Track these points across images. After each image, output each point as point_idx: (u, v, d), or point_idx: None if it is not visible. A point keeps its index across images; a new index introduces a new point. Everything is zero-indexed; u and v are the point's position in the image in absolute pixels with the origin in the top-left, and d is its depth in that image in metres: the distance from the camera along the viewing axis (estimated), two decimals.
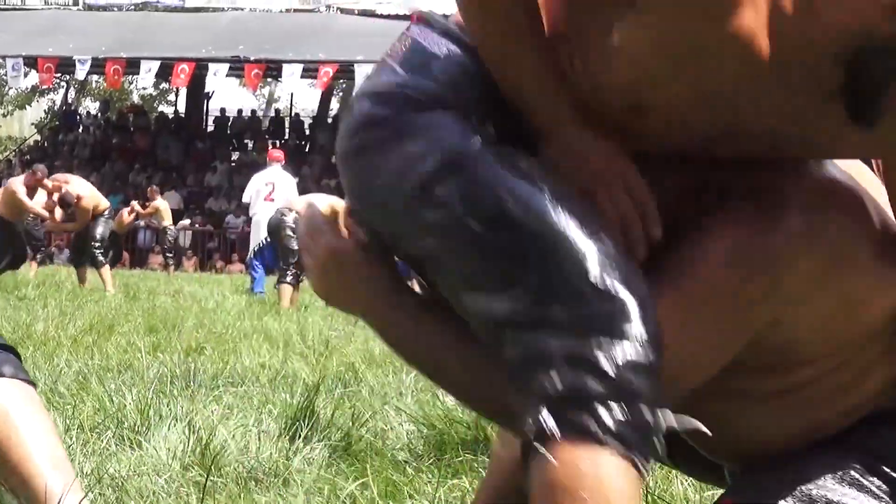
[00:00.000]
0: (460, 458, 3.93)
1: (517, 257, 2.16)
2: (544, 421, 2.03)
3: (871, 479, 2.41)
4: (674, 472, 2.86)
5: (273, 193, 17.33)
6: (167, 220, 23.22)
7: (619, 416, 2.05)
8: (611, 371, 2.05)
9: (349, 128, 2.32)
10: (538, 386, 2.08)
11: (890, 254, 2.39)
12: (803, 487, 2.42)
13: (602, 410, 2.05)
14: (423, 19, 2.47)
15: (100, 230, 18.24)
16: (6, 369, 3.07)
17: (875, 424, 2.45)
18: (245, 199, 18.32)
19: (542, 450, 2.05)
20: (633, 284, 2.12)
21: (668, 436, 2.24)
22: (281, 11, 36.11)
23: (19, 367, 3.12)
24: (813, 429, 2.52)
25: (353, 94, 2.43)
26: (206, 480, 3.56)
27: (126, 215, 22.03)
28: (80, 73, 35.86)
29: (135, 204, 22.53)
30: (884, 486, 2.39)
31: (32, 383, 3.14)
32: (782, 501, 2.41)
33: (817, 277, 2.27)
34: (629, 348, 2.07)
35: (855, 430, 2.46)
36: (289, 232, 15.61)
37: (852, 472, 2.41)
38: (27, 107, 48.72)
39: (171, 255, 25.83)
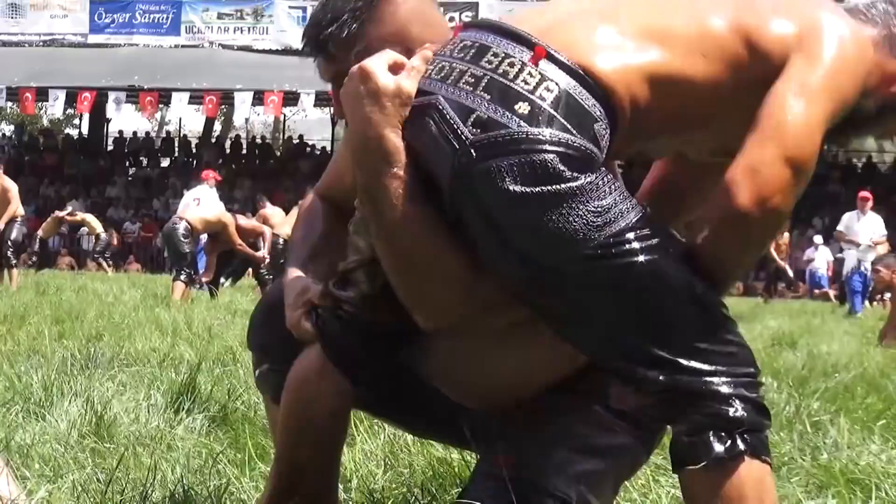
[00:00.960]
0: None
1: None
2: (714, 443, 2.13)
3: (612, 419, 2.40)
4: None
5: (199, 206, 17.08)
6: (99, 229, 22.58)
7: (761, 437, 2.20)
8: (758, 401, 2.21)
9: (526, 173, 2.11)
10: (704, 414, 2.15)
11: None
12: (568, 434, 2.40)
13: (760, 435, 2.20)
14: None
15: (14, 234, 17.88)
16: None
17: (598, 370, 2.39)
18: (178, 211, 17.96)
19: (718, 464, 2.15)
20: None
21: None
22: (171, 47, 35.66)
23: None
24: (547, 368, 2.47)
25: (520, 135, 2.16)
26: (100, 446, 3.56)
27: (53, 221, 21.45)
28: None
29: (59, 213, 21.89)
30: (622, 423, 2.39)
31: None
32: (558, 449, 2.38)
33: None
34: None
35: (584, 378, 2.43)
36: (181, 237, 15.56)
37: (598, 415, 2.41)
38: None
39: (109, 259, 25.32)
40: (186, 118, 42.93)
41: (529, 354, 2.47)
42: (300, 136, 41.51)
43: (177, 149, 40.19)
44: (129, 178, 36.89)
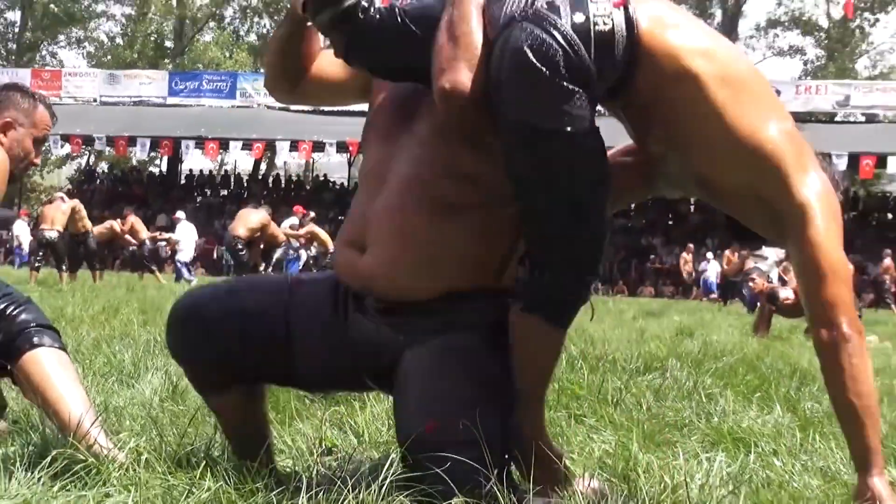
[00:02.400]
0: None
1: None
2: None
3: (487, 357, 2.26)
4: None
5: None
6: (143, 235, 22.00)
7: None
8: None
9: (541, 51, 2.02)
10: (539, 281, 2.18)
11: None
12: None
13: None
14: None
15: (92, 245, 17.72)
16: (46, 340, 3.02)
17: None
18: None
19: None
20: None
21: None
22: (229, 107, 35.67)
23: (56, 339, 3.07)
24: (491, 263, 2.30)
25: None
26: (175, 409, 3.55)
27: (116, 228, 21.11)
28: (98, 145, 35.21)
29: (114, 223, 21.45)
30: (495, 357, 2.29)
31: (64, 349, 3.09)
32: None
33: None
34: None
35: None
36: (238, 250, 15.61)
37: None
38: (63, 167, 47.54)
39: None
40: (240, 160, 43.01)
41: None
42: (325, 175, 41.42)
43: (232, 183, 40.11)
44: (197, 205, 36.74)
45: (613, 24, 2.06)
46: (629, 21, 2.08)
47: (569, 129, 2.06)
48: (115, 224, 20.85)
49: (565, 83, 2.02)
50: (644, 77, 2.15)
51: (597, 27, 2.04)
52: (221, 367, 2.41)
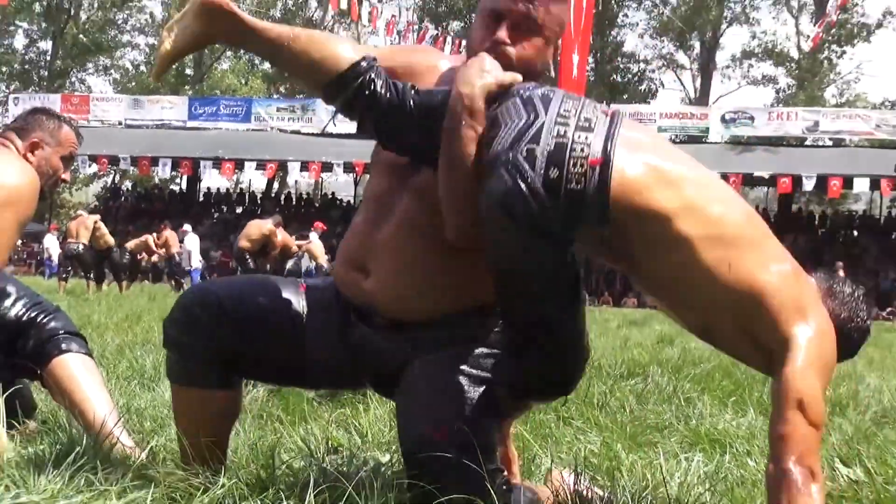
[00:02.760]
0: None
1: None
2: None
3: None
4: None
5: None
6: (175, 248, 22.00)
7: None
8: None
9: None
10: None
11: None
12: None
13: None
14: None
15: (118, 259, 17.69)
16: (74, 346, 3.03)
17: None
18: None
19: None
20: None
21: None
22: (244, 130, 35.68)
23: (82, 345, 3.08)
24: (484, 291, 2.21)
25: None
26: None
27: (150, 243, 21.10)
28: (123, 165, 35.24)
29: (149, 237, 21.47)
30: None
31: (90, 354, 3.10)
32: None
33: None
34: None
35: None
36: (245, 259, 15.41)
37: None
38: (90, 185, 47.57)
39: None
40: (254, 179, 43.00)
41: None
42: (332, 193, 41.48)
43: (247, 201, 40.06)
44: (214, 220, 36.76)
45: (585, 185, 1.96)
46: (603, 183, 1.96)
47: (531, 268, 2.04)
48: (151, 238, 20.86)
49: (528, 233, 1.96)
50: (625, 237, 2.05)
51: (569, 185, 1.95)
52: (227, 353, 2.33)
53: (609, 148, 1.99)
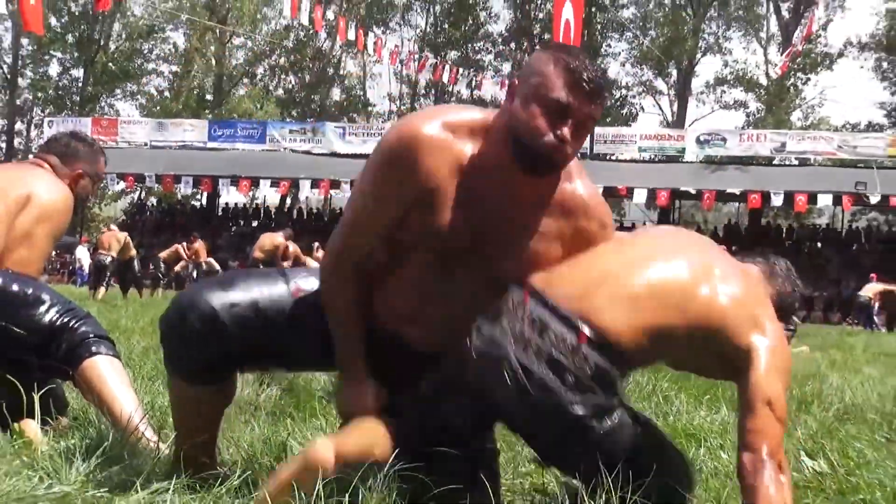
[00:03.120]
0: None
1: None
2: None
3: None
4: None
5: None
6: (203, 257, 21.70)
7: None
8: None
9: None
10: None
11: None
12: None
13: None
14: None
15: (138, 268, 17.57)
16: (103, 349, 3.03)
17: None
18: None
19: None
20: None
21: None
22: (259, 151, 35.64)
23: (111, 348, 3.08)
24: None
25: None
26: None
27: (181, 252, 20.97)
28: (148, 182, 35.28)
29: (179, 247, 21.39)
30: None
31: (118, 356, 3.10)
32: None
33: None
34: None
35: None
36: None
37: None
38: (118, 200, 47.53)
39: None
40: (268, 196, 42.82)
41: None
42: (340, 209, 41.47)
43: (261, 215, 40.02)
44: (231, 233, 36.72)
45: (596, 364, 2.00)
46: (598, 346, 2.00)
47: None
48: (181, 247, 20.86)
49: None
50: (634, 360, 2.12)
51: (582, 374, 1.99)
52: (235, 346, 2.22)
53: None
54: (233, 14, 45.30)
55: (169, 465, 2.39)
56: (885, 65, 42.84)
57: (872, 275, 22.78)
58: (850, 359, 8.93)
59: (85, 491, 2.13)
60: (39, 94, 47.38)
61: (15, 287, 2.95)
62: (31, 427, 2.80)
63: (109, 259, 16.23)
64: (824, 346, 11.23)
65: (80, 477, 2.25)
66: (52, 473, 2.28)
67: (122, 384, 2.93)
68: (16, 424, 2.83)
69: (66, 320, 3.00)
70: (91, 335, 2.99)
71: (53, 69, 47.69)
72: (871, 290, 21.03)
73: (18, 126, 47.69)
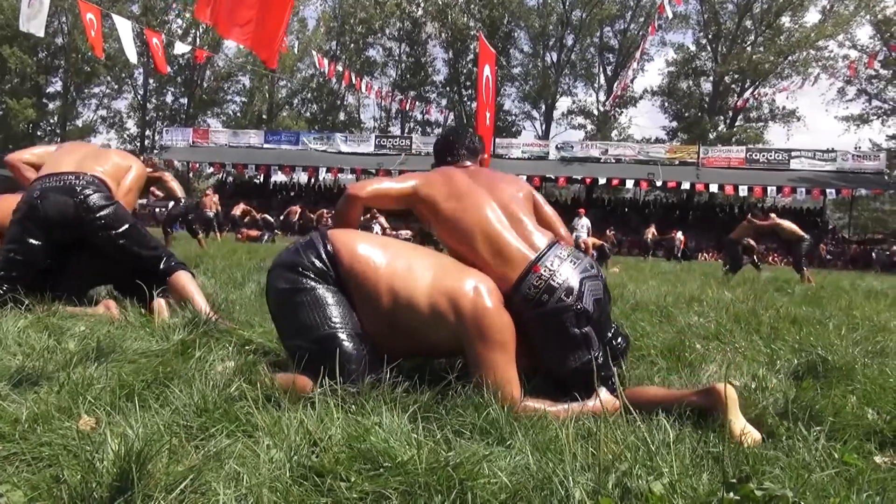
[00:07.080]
0: None
1: None
2: None
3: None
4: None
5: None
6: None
7: None
8: None
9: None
10: None
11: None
12: None
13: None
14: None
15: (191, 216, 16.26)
16: (181, 267, 3.00)
17: None
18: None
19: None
20: None
21: None
22: (295, 150, 34.66)
23: (187, 268, 3.08)
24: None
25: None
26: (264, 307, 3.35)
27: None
28: (228, 168, 34.05)
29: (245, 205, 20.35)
30: None
31: (191, 272, 3.07)
32: None
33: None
34: None
35: None
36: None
37: None
38: (209, 179, 45.46)
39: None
40: (301, 178, 41.75)
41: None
42: (343, 185, 40.19)
43: (297, 189, 39.04)
44: (278, 199, 35.89)
45: None
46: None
47: None
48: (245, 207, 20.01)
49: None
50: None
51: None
52: None
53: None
54: (279, 65, 43.60)
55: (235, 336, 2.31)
56: (666, 104, 43.37)
57: (652, 225, 23.52)
58: (640, 275, 9.10)
59: (186, 349, 2.12)
60: (160, 113, 45.58)
61: (141, 230, 3.04)
62: (163, 305, 2.80)
63: (211, 214, 15.64)
64: (627, 268, 11.40)
65: (176, 340, 2.21)
66: (163, 337, 2.26)
67: (195, 288, 2.97)
68: (153, 304, 2.79)
69: (161, 252, 3.08)
70: (174, 261, 3.07)
71: (168, 97, 45.91)
72: (649, 233, 21.98)
73: (147, 132, 45.94)
